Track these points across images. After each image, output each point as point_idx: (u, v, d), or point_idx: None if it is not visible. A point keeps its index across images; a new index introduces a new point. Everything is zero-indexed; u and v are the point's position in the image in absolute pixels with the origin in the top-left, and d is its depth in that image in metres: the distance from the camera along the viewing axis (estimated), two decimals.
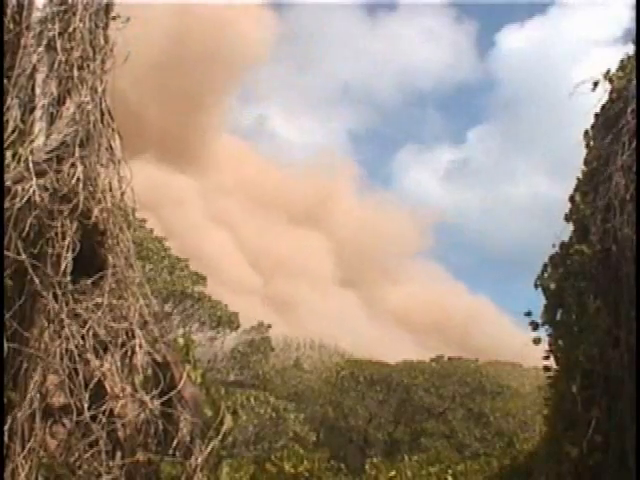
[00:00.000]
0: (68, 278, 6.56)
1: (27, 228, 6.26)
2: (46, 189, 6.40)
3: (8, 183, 6.26)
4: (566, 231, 9.65)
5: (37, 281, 6.27)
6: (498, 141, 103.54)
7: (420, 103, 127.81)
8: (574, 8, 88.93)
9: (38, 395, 6.37)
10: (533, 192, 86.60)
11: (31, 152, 6.44)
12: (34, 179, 6.30)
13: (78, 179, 6.58)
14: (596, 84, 9.52)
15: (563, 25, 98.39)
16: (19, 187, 6.23)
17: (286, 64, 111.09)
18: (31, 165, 6.35)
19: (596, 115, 9.70)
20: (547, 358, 9.44)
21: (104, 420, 6.38)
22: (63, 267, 6.48)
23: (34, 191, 6.25)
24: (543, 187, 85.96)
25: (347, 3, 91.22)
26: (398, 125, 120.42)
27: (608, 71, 9.56)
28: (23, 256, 6.19)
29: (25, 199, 6.22)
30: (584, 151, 9.81)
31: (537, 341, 9.50)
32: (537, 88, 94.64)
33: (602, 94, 9.62)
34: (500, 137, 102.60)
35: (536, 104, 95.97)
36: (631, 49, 9.57)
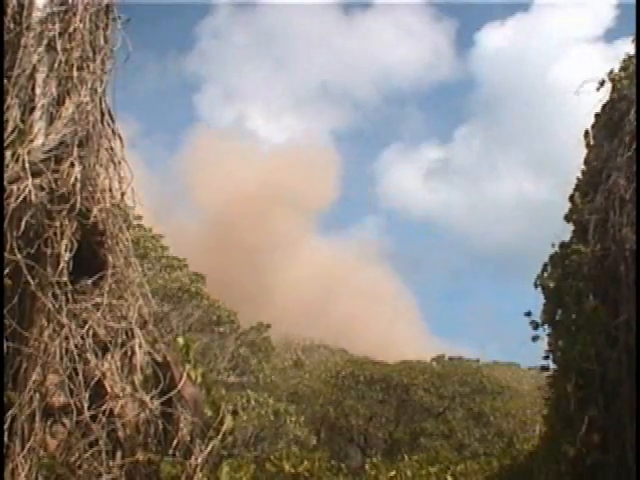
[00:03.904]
0: (66, 278, 6.56)
1: (24, 228, 6.26)
2: (42, 189, 6.40)
3: (4, 183, 6.26)
4: (565, 231, 9.67)
5: (32, 281, 6.27)
6: (480, 140, 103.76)
7: (400, 102, 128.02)
8: (555, 7, 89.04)
9: (38, 395, 6.37)
10: (517, 190, 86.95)
11: (28, 152, 6.44)
12: (30, 179, 6.30)
13: (76, 179, 6.58)
14: (602, 84, 9.53)
15: (544, 23, 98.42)
16: (14, 187, 6.23)
17: (263, 64, 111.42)
18: (27, 165, 6.34)
19: (596, 115, 9.70)
20: (547, 358, 9.44)
21: (104, 420, 6.38)
22: (62, 267, 6.48)
23: (30, 191, 6.25)
24: (527, 185, 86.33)
25: (322, 2, 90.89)
26: (379, 124, 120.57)
27: (611, 71, 9.57)
28: (18, 256, 6.18)
29: (20, 199, 6.22)
30: (584, 150, 9.81)
31: (535, 338, 9.51)
32: (517, 87, 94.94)
33: (603, 94, 9.64)
34: (482, 136, 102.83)
35: (517, 103, 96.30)
36: (616, 48, 9.59)
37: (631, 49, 9.56)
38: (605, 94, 9.61)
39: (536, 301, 9.59)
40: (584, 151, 9.85)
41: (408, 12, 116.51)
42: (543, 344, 9.47)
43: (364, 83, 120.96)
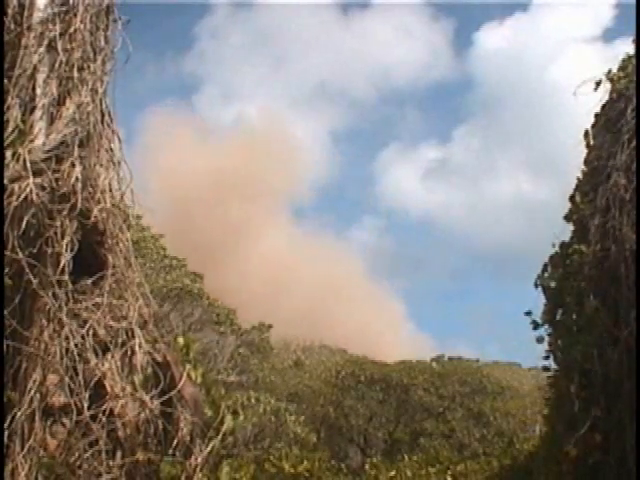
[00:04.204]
0: (67, 277, 6.57)
1: (25, 227, 6.27)
2: (43, 188, 6.41)
3: (5, 182, 6.27)
4: (565, 231, 9.66)
5: (34, 280, 6.28)
6: (479, 140, 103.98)
7: (399, 102, 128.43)
8: (553, 6, 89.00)
9: (38, 394, 6.37)
10: (516, 190, 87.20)
11: (29, 152, 6.45)
12: (31, 178, 6.31)
13: (77, 179, 6.60)
14: (598, 84, 9.53)
15: (542, 23, 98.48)
16: (16, 186, 6.24)
17: (262, 63, 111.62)
18: (28, 164, 6.36)
19: (596, 115, 9.70)
20: (547, 358, 9.43)
21: (104, 420, 6.38)
22: (62, 266, 6.49)
23: (31, 190, 6.26)
24: (526, 185, 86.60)
25: (320, 2, 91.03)
26: (378, 124, 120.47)
27: (609, 71, 9.57)
28: (20, 255, 6.19)
29: (21, 197, 6.23)
30: (584, 151, 9.81)
31: (540, 340, 9.50)
32: (516, 86, 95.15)
33: (602, 94, 9.64)
34: (481, 136, 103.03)
35: (515, 103, 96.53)
36: (615, 48, 9.63)
37: (630, 49, 9.56)
38: (604, 94, 9.62)
39: (536, 301, 9.59)
40: (584, 151, 9.85)
41: (406, 12, 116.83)
42: (544, 344, 9.47)
43: (362, 83, 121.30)
